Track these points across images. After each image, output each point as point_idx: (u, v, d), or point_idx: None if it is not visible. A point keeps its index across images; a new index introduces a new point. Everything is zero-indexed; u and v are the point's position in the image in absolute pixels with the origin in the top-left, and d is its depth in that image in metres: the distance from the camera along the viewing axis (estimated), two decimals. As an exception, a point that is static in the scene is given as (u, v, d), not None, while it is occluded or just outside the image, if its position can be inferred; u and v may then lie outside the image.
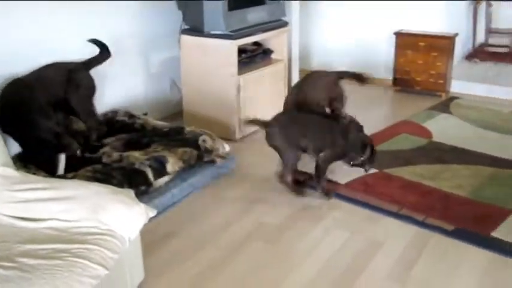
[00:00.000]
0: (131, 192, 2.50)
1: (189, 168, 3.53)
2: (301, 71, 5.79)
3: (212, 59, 4.29)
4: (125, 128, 3.89)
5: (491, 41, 7.04)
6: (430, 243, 2.96)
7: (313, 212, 3.30)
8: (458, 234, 3.02)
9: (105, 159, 3.36)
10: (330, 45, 6.45)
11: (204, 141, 3.68)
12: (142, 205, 2.41)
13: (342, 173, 3.68)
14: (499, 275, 2.69)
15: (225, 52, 4.22)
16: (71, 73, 3.53)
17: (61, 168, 3.23)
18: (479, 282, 2.63)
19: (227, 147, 3.85)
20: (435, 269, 2.74)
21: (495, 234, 3.00)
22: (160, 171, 3.30)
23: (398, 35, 5.72)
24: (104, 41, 3.76)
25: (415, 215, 3.20)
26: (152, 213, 2.44)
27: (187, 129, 3.83)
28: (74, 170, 3.21)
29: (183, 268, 2.74)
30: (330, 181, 3.60)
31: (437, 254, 2.87)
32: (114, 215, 2.29)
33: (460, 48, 6.45)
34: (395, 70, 5.81)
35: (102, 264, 2.08)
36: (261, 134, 4.47)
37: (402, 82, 5.80)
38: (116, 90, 4.32)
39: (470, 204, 3.33)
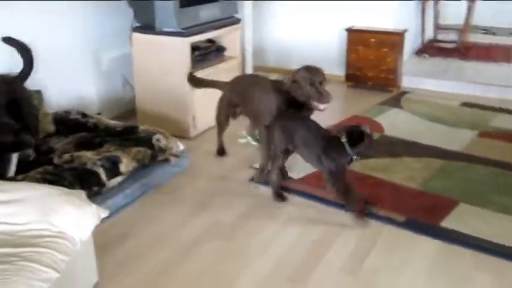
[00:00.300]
0: (82, 194, 2.46)
1: (142, 167, 3.49)
2: (255, 67, 5.82)
3: (164, 57, 4.26)
4: (78, 127, 3.81)
5: (439, 36, 7.25)
6: (383, 234, 3.03)
7: (268, 208, 3.32)
8: (410, 225, 3.10)
9: (56, 160, 3.29)
10: (284, 42, 6.49)
11: (157, 140, 3.65)
12: (94, 206, 2.38)
13: (295, 168, 3.71)
14: (447, 262, 2.77)
15: (177, 49, 4.20)
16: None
17: (12, 169, 3.15)
18: (429, 271, 2.71)
19: (181, 146, 3.82)
20: (387, 259, 2.80)
21: (444, 224, 3.09)
22: (113, 171, 3.25)
23: (350, 31, 5.81)
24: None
25: (368, 208, 3.26)
26: (104, 214, 2.41)
27: (141, 128, 3.78)
28: (23, 171, 3.13)
29: (137, 269, 2.72)
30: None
31: (389, 245, 2.93)
32: (65, 216, 2.24)
33: (410, 44, 6.60)
34: (347, 66, 5.90)
35: (53, 267, 2.03)
36: (215, 131, 4.47)
37: (354, 78, 5.90)
38: (66, 89, 4.23)
39: (421, 196, 3.41)
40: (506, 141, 4.35)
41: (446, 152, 4.08)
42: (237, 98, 3.78)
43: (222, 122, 3.99)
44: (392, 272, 2.70)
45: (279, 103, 3.35)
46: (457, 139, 4.37)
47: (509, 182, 3.61)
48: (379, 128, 4.60)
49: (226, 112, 3.91)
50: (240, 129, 4.32)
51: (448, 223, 3.09)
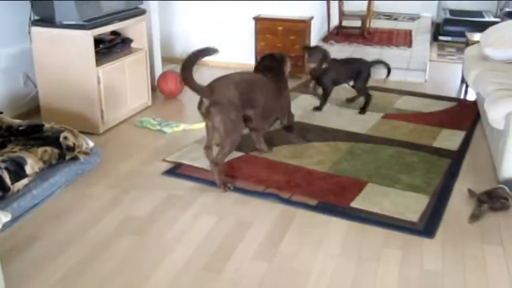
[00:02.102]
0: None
1: (50, 167, 3.36)
2: (164, 59, 5.74)
3: (67, 51, 4.10)
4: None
5: (344, 23, 7.47)
6: (296, 218, 3.09)
7: (181, 200, 3.30)
8: (321, 207, 3.18)
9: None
10: (193, 32, 6.44)
11: (65, 138, 3.52)
12: (-6, 210, 2.26)
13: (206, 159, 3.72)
14: (359, 241, 2.88)
15: (80, 43, 4.05)
16: None
17: None
18: (341, 249, 2.80)
19: (90, 143, 3.72)
20: (301, 242, 2.87)
21: (354, 204, 3.20)
22: (18, 174, 3.10)
23: (257, 19, 5.85)
24: None
25: (281, 193, 3.32)
26: (6, 218, 2.29)
27: (47, 126, 3.63)
28: None
29: (47, 272, 2.61)
30: (196, 168, 3.63)
31: (303, 228, 3.00)
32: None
33: (317, 31, 6.76)
34: (256, 54, 5.94)
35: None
36: (125, 125, 4.39)
37: (264, 66, 5.94)
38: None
39: (331, 179, 3.51)
40: (408, 121, 4.57)
41: (353, 135, 4.23)
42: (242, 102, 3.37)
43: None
44: (307, 255, 2.76)
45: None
46: (363, 122, 4.54)
47: (412, 160, 3.79)
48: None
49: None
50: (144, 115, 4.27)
51: (357, 203, 3.21)
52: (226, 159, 3.54)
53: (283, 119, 3.92)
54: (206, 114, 3.28)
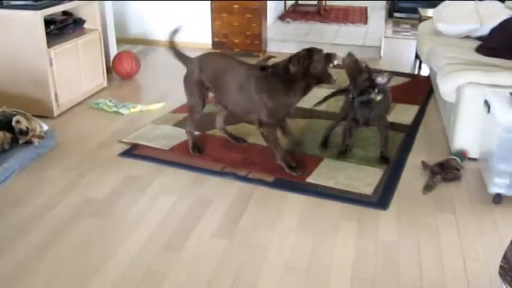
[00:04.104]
0: None
1: (3, 151, 3.29)
2: (119, 40, 5.65)
3: (16, 33, 3.99)
4: None
5: (300, 2, 7.48)
6: (254, 195, 3.13)
7: (140, 181, 3.29)
8: (278, 184, 3.22)
9: None
10: (148, 13, 6.35)
11: (17, 122, 3.45)
12: None
13: (164, 138, 3.71)
14: (316, 216, 2.94)
15: (29, 24, 3.94)
16: None
17: None
18: (299, 225, 2.85)
19: (45, 126, 3.66)
20: (260, 218, 2.91)
21: (310, 179, 3.25)
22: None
23: (213, -1, 5.81)
24: None
25: (238, 171, 3.35)
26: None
27: (-3, 110, 3.55)
28: None
29: (3, 259, 2.57)
30: (153, 148, 3.62)
31: (261, 204, 3.04)
32: None
33: (273, 10, 6.75)
34: (213, 34, 5.92)
35: None
36: (80, 108, 4.33)
37: (220, 45, 5.94)
38: None
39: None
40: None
41: (309, 111, 4.26)
42: (208, 81, 3.40)
43: (195, 106, 3.48)
44: (266, 231, 2.80)
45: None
46: (318, 98, 4.56)
47: (367, 134, 3.85)
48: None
49: (199, 93, 3.44)
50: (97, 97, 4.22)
51: (313, 179, 3.26)
52: (182, 139, 3.62)
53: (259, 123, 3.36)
54: None
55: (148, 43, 6.32)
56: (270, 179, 3.27)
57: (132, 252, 2.62)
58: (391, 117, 4.17)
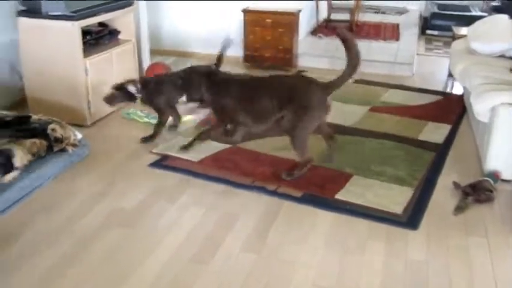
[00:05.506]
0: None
1: (39, 158, 3.35)
2: (152, 51, 5.73)
3: (54, 42, 4.08)
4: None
5: (333, 16, 7.47)
6: (282, 210, 3.12)
7: (169, 192, 3.31)
8: (307, 199, 3.21)
9: None
10: (181, 25, 6.43)
11: (53, 130, 3.51)
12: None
13: (195, 150, 3.73)
14: (344, 233, 2.91)
15: (67, 34, 4.03)
16: None
17: None
18: (326, 241, 2.84)
19: (79, 135, 3.70)
20: (288, 234, 2.90)
21: (339, 196, 3.23)
22: (6, 166, 3.08)
23: (246, 12, 5.85)
24: None
25: (267, 186, 3.35)
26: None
27: (34, 117, 3.60)
28: None
29: (34, 264, 2.61)
30: (183, 160, 3.66)
31: (289, 220, 3.03)
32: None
33: (305, 24, 6.76)
34: (245, 47, 5.95)
35: None
36: (112, 117, 4.40)
37: (252, 58, 5.96)
38: None
39: (317, 171, 3.53)
40: (394, 114, 4.61)
41: (340, 127, 4.24)
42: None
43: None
44: (293, 246, 2.79)
45: None
46: (350, 114, 4.56)
47: (397, 153, 3.82)
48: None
49: None
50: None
51: (342, 195, 3.24)
52: (213, 151, 3.63)
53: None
54: None
55: (180, 54, 6.39)
56: (299, 194, 3.26)
57: (160, 263, 2.64)
58: (422, 135, 4.14)
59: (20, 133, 3.37)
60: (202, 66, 4.02)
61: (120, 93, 3.93)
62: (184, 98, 3.86)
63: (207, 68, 3.82)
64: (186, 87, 3.75)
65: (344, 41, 3.26)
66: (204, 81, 3.59)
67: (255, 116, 3.47)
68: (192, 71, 3.83)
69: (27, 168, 3.23)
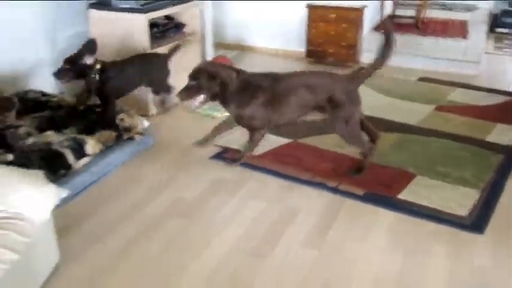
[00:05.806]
0: (40, 174, 2.42)
1: (107, 147, 3.46)
2: (215, 44, 5.79)
3: (123, 34, 4.18)
4: (39, 107, 3.70)
5: (398, 12, 7.32)
6: (343, 208, 3.08)
7: (229, 184, 3.34)
8: (369, 198, 3.16)
9: (20, 143, 3.19)
10: (245, 19, 6.46)
11: (121, 120, 3.62)
12: (52, 186, 2.35)
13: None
14: (406, 234, 2.85)
15: (136, 26, 4.13)
16: None
17: None
18: (388, 242, 2.78)
19: (146, 123, 3.80)
20: (349, 232, 2.86)
21: (402, 196, 3.17)
22: (79, 152, 3.21)
23: (310, 7, 5.82)
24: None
25: (328, 182, 3.32)
26: (64, 193, 2.38)
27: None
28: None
29: (99, 247, 2.70)
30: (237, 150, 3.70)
31: (350, 218, 2.99)
32: (22, 197, 2.22)
33: (369, 20, 6.65)
34: (308, 42, 5.92)
35: (10, 248, 2.01)
36: (176, 109, 4.46)
37: (315, 54, 5.92)
38: (21, 70, 4.11)
39: (379, 169, 3.48)
40: (461, 114, 4.46)
41: (404, 126, 4.16)
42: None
43: None
44: (355, 245, 2.76)
45: None
46: (415, 113, 4.46)
47: (464, 154, 3.71)
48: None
49: None
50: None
51: (405, 195, 3.17)
52: (274, 146, 3.61)
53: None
54: None
55: (244, 49, 6.43)
56: (361, 192, 3.21)
57: (218, 255, 2.67)
58: (491, 137, 3.99)
59: (92, 123, 3.50)
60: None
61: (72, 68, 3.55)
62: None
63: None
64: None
65: (387, 33, 3.25)
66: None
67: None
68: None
69: (98, 156, 3.35)
